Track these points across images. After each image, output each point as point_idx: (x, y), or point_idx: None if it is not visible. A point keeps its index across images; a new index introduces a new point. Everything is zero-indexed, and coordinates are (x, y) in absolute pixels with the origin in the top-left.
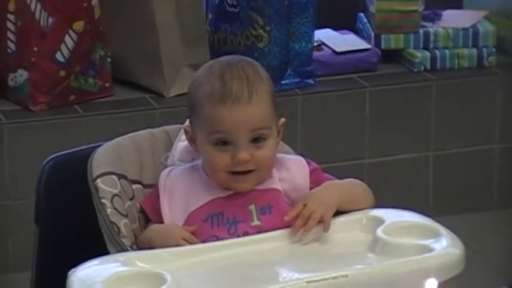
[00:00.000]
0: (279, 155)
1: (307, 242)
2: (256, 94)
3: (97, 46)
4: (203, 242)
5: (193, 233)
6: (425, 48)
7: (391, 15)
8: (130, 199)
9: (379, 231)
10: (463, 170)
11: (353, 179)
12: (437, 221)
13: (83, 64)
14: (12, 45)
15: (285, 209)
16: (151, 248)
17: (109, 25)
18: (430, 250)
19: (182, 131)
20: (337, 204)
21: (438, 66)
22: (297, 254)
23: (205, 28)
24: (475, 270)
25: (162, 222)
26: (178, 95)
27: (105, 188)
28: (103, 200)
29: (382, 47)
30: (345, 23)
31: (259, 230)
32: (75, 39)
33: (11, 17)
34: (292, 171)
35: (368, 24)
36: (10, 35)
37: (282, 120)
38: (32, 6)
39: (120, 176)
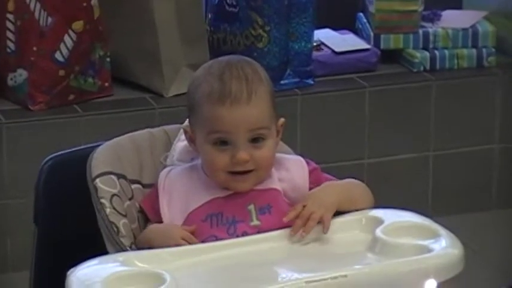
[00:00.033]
0: (278, 154)
1: (306, 242)
2: (256, 94)
3: (96, 46)
4: (202, 242)
5: (192, 233)
6: (425, 48)
7: (390, 15)
8: (130, 199)
9: (379, 232)
10: (462, 170)
11: (352, 179)
12: (436, 221)
13: (82, 64)
14: (11, 45)
15: (284, 209)
16: (150, 247)
17: (108, 25)
18: (430, 250)
19: (181, 130)
20: (337, 204)
21: (438, 66)
22: (296, 254)
23: (204, 28)
24: (475, 270)
25: (161, 222)
26: (177, 95)
27: (104, 187)
28: (102, 200)
29: (382, 47)
30: (344, 23)
31: (259, 230)
32: (74, 38)
33: (10, 16)
34: (292, 171)
35: (367, 24)
36: (9, 35)
37: (282, 120)
38: (32, 6)
39: (120, 176)
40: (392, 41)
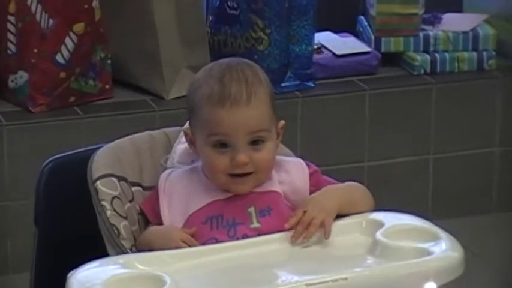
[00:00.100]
0: (278, 157)
1: (306, 244)
2: (255, 96)
3: (97, 48)
4: (202, 244)
5: (193, 235)
6: (426, 51)
7: (391, 18)
8: (130, 201)
9: (379, 234)
10: (462, 173)
11: (352, 182)
12: (437, 224)
13: (83, 66)
14: (12, 47)
15: (284, 212)
16: (150, 250)
17: (109, 27)
18: (430, 253)
19: (182, 133)
20: (337, 208)
21: (438, 69)
22: (297, 257)
23: (205, 30)
24: (475, 273)
25: (161, 224)
26: (178, 97)
27: (105, 190)
28: (103, 202)
29: (382, 50)
30: (345, 25)
31: (259, 232)
32: (75, 40)
33: (11, 18)
34: (292, 173)
35: (368, 27)
36: (10, 37)
37: (282, 122)
38: (33, 8)
39: (120, 178)
40: (392, 44)
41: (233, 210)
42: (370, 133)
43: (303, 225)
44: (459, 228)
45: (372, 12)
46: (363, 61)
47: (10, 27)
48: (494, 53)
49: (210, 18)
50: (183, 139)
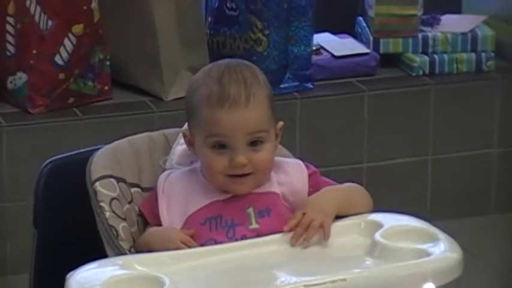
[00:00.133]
0: (277, 158)
1: (305, 246)
2: (254, 97)
3: (96, 49)
4: (201, 245)
5: (192, 237)
6: (424, 52)
7: (390, 19)
8: (129, 202)
9: (378, 236)
10: (461, 174)
11: (351, 183)
12: (435, 225)
13: (82, 67)
14: (11, 48)
15: (283, 213)
16: (149, 251)
17: (108, 28)
18: (428, 254)
19: (181, 134)
20: (336, 209)
21: (437, 70)
22: (296, 258)
23: (204, 31)
24: (474, 274)
25: (160, 225)
26: (177, 98)
27: (104, 191)
28: (101, 204)
29: (381, 51)
30: (343, 27)
31: (258, 233)
32: (74, 42)
33: (10, 19)
34: (291, 174)
35: (367, 29)
36: (9, 38)
37: (280, 123)
38: (32, 9)
39: (119, 180)
40: (391, 45)
41: (232, 211)
42: (369, 134)
43: (302, 228)
44: (458, 229)
45: (371, 13)
46: (362, 62)
47: (9, 28)
48: (492, 54)
49: (209, 19)
50: (182, 140)
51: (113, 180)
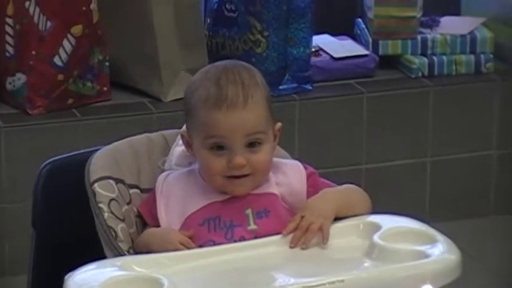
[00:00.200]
0: (275, 159)
1: (304, 248)
2: (252, 99)
3: (95, 50)
4: (200, 246)
5: (190, 238)
6: (423, 54)
7: (389, 21)
8: (128, 203)
9: (376, 237)
10: (460, 176)
11: (350, 185)
12: (434, 227)
13: (81, 68)
14: (10, 49)
15: (281, 214)
16: (148, 252)
17: (107, 29)
18: (427, 256)
19: (179, 135)
20: (335, 211)
21: (436, 72)
22: (294, 259)
23: (203, 32)
24: (472, 276)
25: (158, 226)
26: (176, 100)
27: (103, 192)
28: (100, 205)
29: (380, 53)
30: (342, 28)
31: (256, 235)
32: (73, 43)
33: (9, 20)
34: (289, 175)
35: (366, 30)
36: (8, 39)
37: (279, 124)
38: (31, 10)
39: (118, 181)
40: (390, 47)
41: (230, 212)
42: (367, 136)
43: (301, 231)
44: (456, 231)
45: (370, 15)
46: (361, 64)
47: (8, 29)
48: (491, 56)
49: (208, 20)
50: (181, 142)
51: (111, 181)
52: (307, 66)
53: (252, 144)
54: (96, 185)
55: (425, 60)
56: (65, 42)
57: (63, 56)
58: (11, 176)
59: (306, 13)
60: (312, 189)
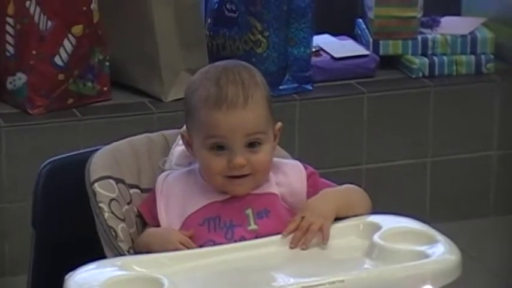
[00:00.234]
0: (275, 159)
1: (304, 248)
2: (252, 99)
3: (96, 50)
4: (200, 246)
5: (190, 238)
6: (424, 54)
7: (389, 21)
8: (128, 203)
9: (376, 237)
10: (460, 176)
11: (350, 185)
12: (434, 227)
13: (81, 68)
14: (11, 49)
15: (282, 214)
16: (148, 251)
17: (107, 29)
18: (427, 256)
19: (180, 135)
20: (335, 212)
21: (436, 72)
22: (294, 259)
23: (203, 32)
24: (473, 276)
25: (159, 226)
26: (176, 100)
27: (103, 192)
28: (100, 204)
29: (381, 53)
30: (343, 28)
31: (256, 234)
32: (74, 43)
33: (10, 20)
34: (289, 175)
35: (366, 30)
36: (9, 39)
37: (279, 124)
38: (31, 10)
39: (118, 181)
40: (391, 47)
41: (230, 212)
42: (368, 136)
43: (301, 231)
44: (457, 231)
45: (370, 15)
46: (361, 64)
47: (9, 29)
48: (492, 56)
49: (209, 21)
50: (181, 141)
51: (112, 181)
52: (307, 66)
53: (252, 144)
54: (96, 184)
55: (426, 60)
56: (66, 42)
57: (64, 55)
58: (11, 176)
59: (306, 13)
60: (312, 189)
